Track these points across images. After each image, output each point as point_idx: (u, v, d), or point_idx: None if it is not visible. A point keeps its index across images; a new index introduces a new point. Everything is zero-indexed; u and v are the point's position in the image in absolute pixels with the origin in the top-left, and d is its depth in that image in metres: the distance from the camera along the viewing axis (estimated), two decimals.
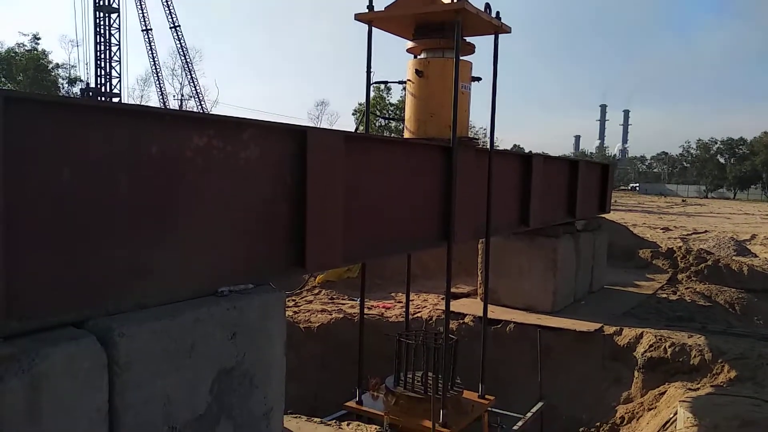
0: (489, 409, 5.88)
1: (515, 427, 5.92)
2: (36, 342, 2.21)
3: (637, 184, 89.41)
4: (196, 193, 2.88)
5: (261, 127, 3.22)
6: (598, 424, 6.35)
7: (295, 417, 4.29)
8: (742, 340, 6.83)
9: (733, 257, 14.09)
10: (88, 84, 45.04)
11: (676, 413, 5.02)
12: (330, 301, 9.18)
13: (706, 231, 24.99)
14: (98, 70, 43.99)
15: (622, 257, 12.71)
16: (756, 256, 16.76)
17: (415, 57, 5.47)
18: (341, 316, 7.92)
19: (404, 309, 6.67)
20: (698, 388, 5.65)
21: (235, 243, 3.13)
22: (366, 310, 7.77)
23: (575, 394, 6.94)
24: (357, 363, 5.69)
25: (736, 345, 6.51)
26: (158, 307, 2.69)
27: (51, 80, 47.05)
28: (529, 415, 6.20)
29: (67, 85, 48.41)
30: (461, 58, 5.07)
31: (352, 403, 5.73)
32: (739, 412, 4.71)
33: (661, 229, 25.54)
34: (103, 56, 43.65)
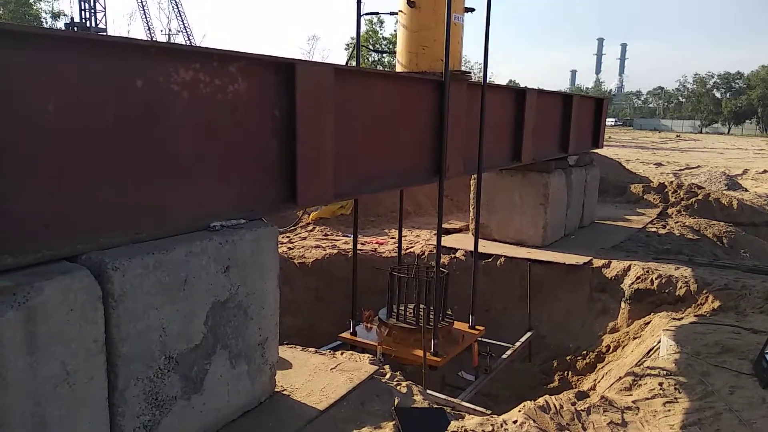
0: (479, 339, 6.05)
1: (504, 356, 6.11)
2: (30, 276, 2.24)
3: (614, 120, 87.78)
4: (184, 128, 2.85)
5: (249, 59, 3.15)
6: (584, 352, 6.55)
7: (291, 347, 4.41)
8: (727, 271, 6.97)
9: (724, 191, 14.19)
10: (72, 18, 43.63)
11: (659, 341, 5.19)
12: (324, 237, 9.25)
13: (698, 166, 25.05)
14: (82, 3, 42.50)
15: (613, 192, 12.79)
16: (746, 190, 16.88)
17: None
18: (335, 251, 8.01)
19: (397, 244, 6.74)
20: (682, 318, 5.80)
21: (226, 178, 3.13)
22: (359, 246, 7.85)
23: (563, 325, 7.13)
24: (351, 296, 5.80)
25: (721, 276, 6.65)
26: (151, 241, 2.71)
27: (33, 14, 45.50)
28: (517, 344, 6.39)
29: (50, 20, 46.90)
30: None
31: (346, 334, 5.88)
32: (720, 340, 4.87)
33: (654, 164, 25.58)
34: None
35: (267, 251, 3.20)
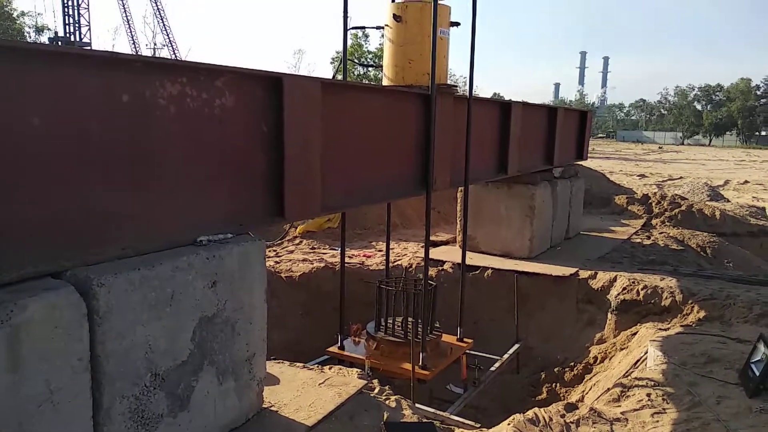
0: (467, 351, 6.04)
1: (492, 368, 6.10)
2: (14, 293, 2.20)
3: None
4: (172, 142, 2.84)
5: (236, 73, 3.15)
6: (572, 363, 6.56)
7: (278, 362, 4.37)
8: (711, 281, 7.04)
9: (707, 202, 14.36)
10: (56, 33, 43.39)
11: (646, 352, 5.21)
12: (311, 251, 9.22)
13: (681, 177, 25.37)
14: (66, 17, 42.33)
15: (598, 204, 12.89)
16: (728, 201, 17.10)
17: (393, 1, 5.35)
18: (322, 265, 7.98)
19: (384, 257, 6.73)
20: (668, 328, 5.84)
21: (213, 192, 3.11)
22: (347, 259, 7.84)
23: (551, 336, 7.14)
24: (339, 310, 5.78)
25: (706, 286, 6.70)
26: (137, 257, 2.69)
27: (16, 29, 45.22)
28: (506, 356, 6.39)
29: (34, 34, 46.62)
30: (439, 2, 4.97)
31: (334, 349, 5.84)
32: (706, 350, 4.90)
33: (638, 175, 25.87)
34: (70, 3, 41.96)
35: (254, 265, 3.17)
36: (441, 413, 4.33)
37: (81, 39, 42.43)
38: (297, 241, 9.74)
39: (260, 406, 3.42)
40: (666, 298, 6.51)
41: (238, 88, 3.16)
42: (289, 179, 3.52)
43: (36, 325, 2.18)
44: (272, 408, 3.55)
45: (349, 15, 5.35)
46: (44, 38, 45.41)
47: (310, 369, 4.30)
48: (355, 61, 27.26)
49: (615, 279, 7.06)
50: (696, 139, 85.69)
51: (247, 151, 3.30)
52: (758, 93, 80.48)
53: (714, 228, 10.92)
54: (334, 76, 5.90)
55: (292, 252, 9.11)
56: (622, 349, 6.16)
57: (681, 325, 5.94)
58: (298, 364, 4.43)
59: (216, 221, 3.14)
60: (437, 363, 5.50)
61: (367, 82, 26.58)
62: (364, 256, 8.73)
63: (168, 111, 2.80)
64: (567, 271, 7.46)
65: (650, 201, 12.27)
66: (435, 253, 8.28)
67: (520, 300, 6.95)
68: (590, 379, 6.12)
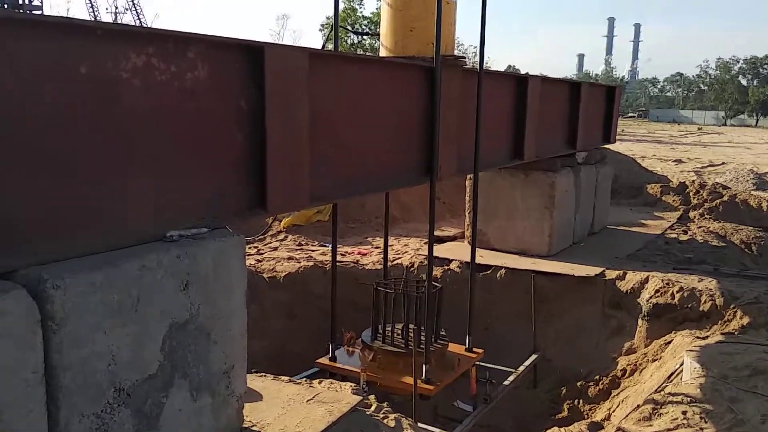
0: (477, 363, 6.07)
1: (506, 382, 6.13)
2: None
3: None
4: (137, 122, 2.83)
5: (210, 43, 3.14)
6: (597, 377, 6.60)
7: (260, 376, 4.39)
8: (757, 283, 7.07)
9: (752, 192, 14.40)
10: None
11: (682, 364, 5.24)
12: (298, 247, 9.24)
13: (723, 163, 25.42)
14: None
15: (628, 194, 12.92)
16: None
17: None
18: (311, 264, 7.99)
19: (382, 255, 6.75)
20: (707, 337, 5.87)
21: (185, 180, 3.11)
22: (339, 257, 7.82)
23: (572, 346, 7.18)
24: (329, 316, 5.79)
25: (751, 289, 6.73)
26: (97, 254, 2.68)
27: None
28: (521, 368, 6.42)
29: None
30: None
31: (324, 360, 5.86)
32: (750, 361, 4.92)
33: (673, 161, 25.91)
34: None
35: (232, 264, 3.18)
36: None
37: (31, 2, 42.28)
38: (281, 236, 9.76)
39: (240, 425, 3.44)
40: (705, 302, 6.54)
41: (212, 59, 3.15)
42: (272, 165, 3.52)
43: None
44: (254, 428, 3.56)
45: None
46: None
47: (297, 383, 4.32)
48: (348, 28, 27.17)
49: (647, 280, 7.09)
50: (740, 119, 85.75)
51: (224, 133, 3.29)
52: None
53: (760, 222, 10.95)
54: (323, 46, 5.89)
55: (276, 249, 9.12)
56: (654, 361, 6.19)
57: (722, 333, 5.97)
58: (283, 377, 4.45)
59: (188, 213, 3.13)
60: (443, 376, 5.52)
61: (361, 52, 26.52)
62: (358, 253, 8.75)
63: (132, 85, 2.79)
64: (592, 270, 7.49)
65: (687, 190, 12.30)
66: (440, 251, 8.29)
67: (538, 304, 6.98)
68: (618, 394, 6.15)
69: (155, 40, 2.89)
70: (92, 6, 45.23)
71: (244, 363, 3.39)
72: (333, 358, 5.84)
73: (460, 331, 6.18)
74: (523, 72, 8.42)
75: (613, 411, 5.77)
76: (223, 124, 3.28)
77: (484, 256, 7.94)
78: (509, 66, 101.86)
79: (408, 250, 8.86)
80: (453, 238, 9.40)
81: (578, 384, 6.62)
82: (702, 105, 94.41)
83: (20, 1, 41.98)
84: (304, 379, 4.59)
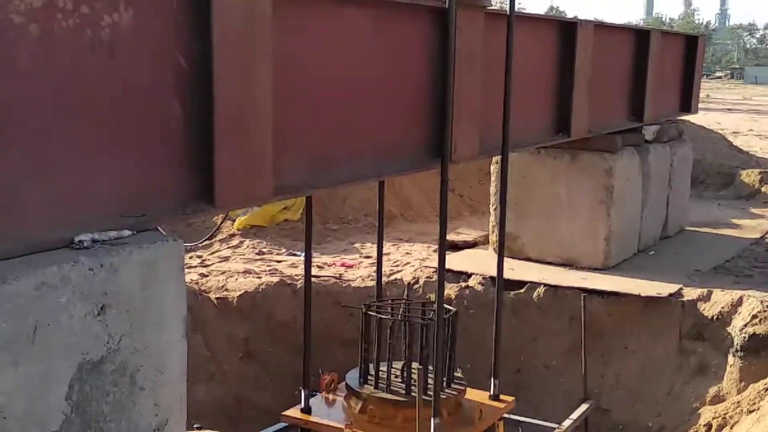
0: (506, 415, 6.06)
1: None
2: None
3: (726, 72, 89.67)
4: (33, 87, 2.82)
5: None
6: None
7: None
8: None
9: None
10: None
11: None
12: (258, 256, 9.22)
13: None
14: None
15: (715, 183, 12.95)
16: None
17: None
18: (276, 279, 7.98)
19: (375, 267, 6.74)
20: None
21: (100, 166, 3.09)
22: (315, 270, 7.83)
23: (638, 392, 7.18)
24: (301, 351, 5.78)
25: None
26: None
27: None
28: (567, 423, 6.41)
29: None
30: None
31: (294, 412, 5.85)
32: None
33: None
34: None
35: (166, 281, 3.16)
36: None
37: None
38: (235, 241, 9.75)
39: None
40: None
41: None
42: (222, 145, 3.49)
43: None
44: None
45: None
46: None
47: None
48: None
49: (740, 302, 7.09)
50: None
51: (155, 99, 3.27)
52: None
53: None
54: None
55: (227, 259, 9.11)
56: (750, 412, 6.20)
57: None
58: None
59: (105, 209, 3.11)
60: None
61: None
62: (342, 265, 8.74)
63: (26, 35, 2.78)
64: (664, 289, 7.49)
65: None
66: (455, 261, 8.30)
67: (590, 335, 6.98)
68: None
69: None
70: None
71: (183, 417, 3.38)
72: (306, 410, 5.83)
73: (482, 371, 6.18)
74: (570, 16, 8.41)
75: None
76: (154, 87, 3.26)
77: (515, 269, 7.94)
78: (551, 8, 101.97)
79: (411, 260, 8.86)
80: (473, 245, 9.40)
81: None
82: None
83: None
84: None
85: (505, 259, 6.22)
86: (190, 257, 8.97)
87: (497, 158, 7.13)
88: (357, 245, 9.74)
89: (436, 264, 5.57)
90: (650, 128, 9.08)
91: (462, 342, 6.04)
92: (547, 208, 8.42)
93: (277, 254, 9.33)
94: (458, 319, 5.96)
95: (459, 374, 6.02)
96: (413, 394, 5.53)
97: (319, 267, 8.37)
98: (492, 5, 5.64)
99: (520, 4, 5.82)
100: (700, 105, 10.91)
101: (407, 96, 4.93)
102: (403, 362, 5.87)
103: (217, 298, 7.63)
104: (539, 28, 6.77)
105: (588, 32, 7.14)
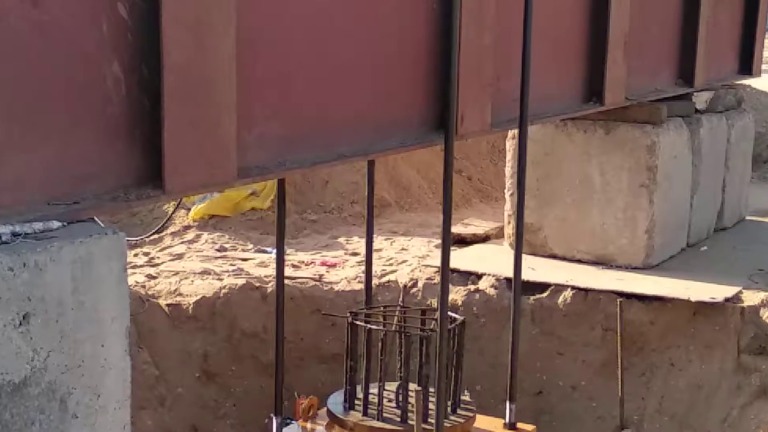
0: None
1: None
2: None
3: None
4: None
5: None
6: None
7: None
8: None
9: None
10: None
11: None
12: (218, 253, 9.22)
13: None
14: None
15: None
16: None
17: None
18: (241, 281, 7.98)
19: (363, 267, 6.73)
20: None
21: (20, 139, 3.08)
22: (290, 270, 7.83)
23: (686, 418, 7.20)
24: (272, 369, 5.78)
25: None
26: None
27: None
28: None
29: None
30: None
31: None
32: None
33: None
34: None
35: (105, 283, 3.16)
36: None
37: None
38: (191, 234, 9.75)
39: None
40: None
41: None
42: (172, 116, 3.49)
43: None
44: None
45: None
46: None
47: None
48: None
49: None
50: None
51: (90, 59, 3.27)
52: None
53: None
54: None
55: (180, 256, 9.11)
56: None
57: None
58: None
59: (28, 197, 3.11)
60: None
61: None
62: (322, 264, 8.74)
63: None
64: (719, 292, 7.50)
65: None
66: (463, 259, 8.33)
67: (628, 349, 6.99)
68: None
69: None
70: None
71: None
72: None
73: (495, 394, 6.18)
74: None
75: None
76: (87, 47, 3.25)
77: (536, 268, 7.97)
78: None
79: (407, 258, 8.87)
80: (485, 238, 9.41)
81: None
82: None
83: None
84: None
85: (524, 256, 6.23)
86: (135, 254, 8.96)
87: (514, 132, 7.13)
88: (341, 240, 9.74)
89: (438, 262, 5.57)
90: (702, 95, 9.08)
91: (470, 358, 6.05)
92: (576, 193, 8.40)
93: (243, 251, 9.32)
94: (465, 330, 5.96)
95: (467, 397, 6.04)
96: (410, 422, 5.55)
97: (294, 266, 8.38)
98: None
99: None
100: (764, 66, 10.91)
101: (403, 56, 4.92)
102: (397, 383, 5.88)
103: (168, 305, 7.62)
104: None
105: None
